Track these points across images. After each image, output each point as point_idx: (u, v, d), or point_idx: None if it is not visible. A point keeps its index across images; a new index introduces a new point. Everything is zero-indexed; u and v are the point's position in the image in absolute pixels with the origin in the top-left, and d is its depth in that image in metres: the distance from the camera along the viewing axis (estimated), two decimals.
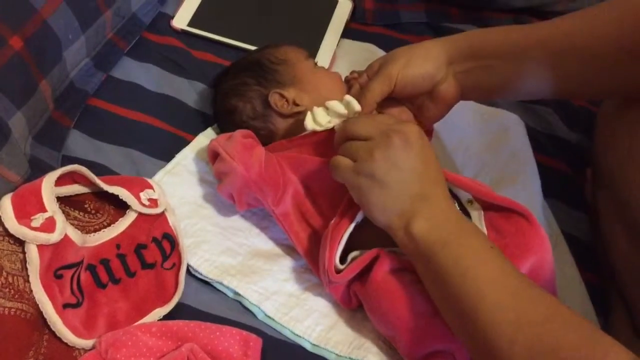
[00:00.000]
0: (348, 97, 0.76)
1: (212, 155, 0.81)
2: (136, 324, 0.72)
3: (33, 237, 0.68)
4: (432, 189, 0.67)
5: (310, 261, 0.77)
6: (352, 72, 0.92)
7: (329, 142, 0.75)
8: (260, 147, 0.79)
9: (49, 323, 0.68)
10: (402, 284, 0.69)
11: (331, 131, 0.76)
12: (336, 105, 0.76)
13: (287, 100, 0.83)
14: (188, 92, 0.94)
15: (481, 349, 0.60)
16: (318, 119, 0.77)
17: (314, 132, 0.77)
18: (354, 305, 0.75)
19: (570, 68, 0.73)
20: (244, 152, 0.77)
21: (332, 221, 0.72)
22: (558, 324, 0.57)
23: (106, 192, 0.78)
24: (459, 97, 0.79)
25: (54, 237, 0.69)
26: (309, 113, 0.78)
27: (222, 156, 0.77)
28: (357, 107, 0.75)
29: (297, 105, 0.83)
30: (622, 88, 0.75)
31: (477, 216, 0.74)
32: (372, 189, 0.67)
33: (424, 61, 0.76)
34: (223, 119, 0.88)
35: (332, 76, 0.88)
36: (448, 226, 0.65)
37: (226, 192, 0.80)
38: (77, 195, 0.79)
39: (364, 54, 1.02)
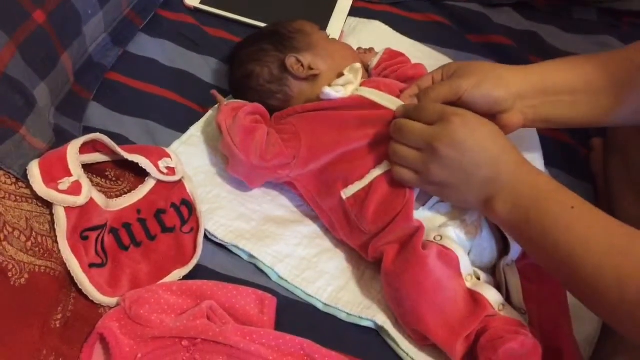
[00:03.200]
0: (357, 65, 0.83)
1: (219, 129, 0.84)
2: (158, 283, 0.76)
3: (61, 200, 0.72)
4: (500, 166, 0.69)
5: (327, 218, 0.81)
6: (359, 49, 0.96)
7: (342, 109, 0.81)
8: (262, 127, 0.82)
9: (76, 281, 0.72)
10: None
11: (344, 99, 0.81)
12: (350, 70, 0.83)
13: (302, 65, 0.87)
14: (201, 67, 0.98)
15: (582, 296, 0.65)
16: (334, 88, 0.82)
17: (329, 100, 0.82)
18: (369, 258, 0.79)
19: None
20: (246, 139, 0.81)
21: None
22: None
23: (126, 160, 0.82)
24: (520, 127, 0.79)
25: (81, 199, 0.73)
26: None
27: (226, 141, 0.81)
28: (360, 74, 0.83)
29: (312, 69, 0.87)
30: None
31: None
32: (444, 192, 0.73)
33: (494, 87, 0.76)
34: (239, 84, 0.91)
35: (345, 46, 0.93)
36: (525, 201, 0.68)
37: (233, 172, 0.85)
38: (98, 163, 0.83)
39: (371, 30, 1.05)
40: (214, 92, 0.89)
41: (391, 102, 0.80)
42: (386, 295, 0.76)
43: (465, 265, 0.73)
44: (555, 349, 0.72)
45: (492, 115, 0.76)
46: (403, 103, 0.79)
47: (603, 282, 0.61)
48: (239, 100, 0.88)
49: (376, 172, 0.77)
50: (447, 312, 0.70)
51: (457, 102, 0.76)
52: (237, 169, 0.83)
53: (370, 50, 0.96)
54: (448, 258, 0.71)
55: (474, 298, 0.71)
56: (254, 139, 0.80)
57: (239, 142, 0.80)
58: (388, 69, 0.91)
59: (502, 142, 0.71)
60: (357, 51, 0.95)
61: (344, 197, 0.78)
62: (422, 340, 0.74)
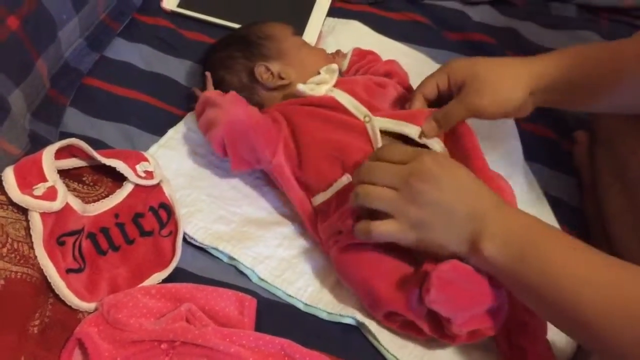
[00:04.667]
0: (333, 66, 0.84)
1: (202, 107, 0.85)
2: (136, 287, 0.75)
3: (36, 205, 0.71)
4: (483, 201, 0.66)
5: (305, 216, 0.81)
6: (338, 51, 0.96)
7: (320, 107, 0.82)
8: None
9: (53, 287, 0.71)
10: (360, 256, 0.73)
11: (317, 98, 0.82)
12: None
13: (272, 73, 0.86)
14: (179, 70, 0.98)
15: (586, 340, 0.62)
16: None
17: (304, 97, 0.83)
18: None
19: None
20: (238, 101, 0.82)
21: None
22: None
23: (103, 165, 0.81)
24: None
25: (56, 204, 0.72)
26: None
27: (218, 102, 0.81)
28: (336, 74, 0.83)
29: (282, 78, 0.86)
30: None
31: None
32: (426, 236, 0.66)
33: (508, 100, 0.76)
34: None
35: (316, 52, 0.92)
36: (517, 237, 0.63)
37: (218, 141, 0.82)
38: (75, 168, 0.82)
39: (350, 30, 1.05)
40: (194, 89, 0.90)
41: (360, 112, 0.80)
42: (345, 284, 0.77)
43: None
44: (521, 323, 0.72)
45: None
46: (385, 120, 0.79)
47: (611, 326, 0.58)
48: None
49: (343, 182, 0.77)
50: (393, 278, 0.71)
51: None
52: (225, 133, 0.81)
53: (338, 52, 0.96)
54: None
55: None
56: (248, 103, 0.82)
57: (234, 102, 0.81)
58: (360, 70, 0.91)
59: (478, 181, 0.68)
60: (335, 53, 0.95)
61: (314, 204, 0.78)
62: (390, 322, 0.74)
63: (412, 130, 0.78)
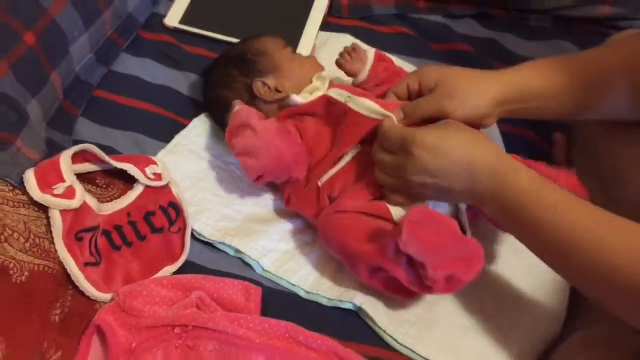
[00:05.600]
0: (324, 73, 0.92)
1: (236, 129, 0.87)
2: (150, 278, 0.81)
3: (57, 203, 0.77)
4: (475, 175, 0.73)
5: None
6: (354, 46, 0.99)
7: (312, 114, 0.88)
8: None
9: (73, 279, 0.77)
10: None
11: (312, 102, 0.89)
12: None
13: (269, 88, 0.92)
14: (182, 82, 1.04)
15: (581, 287, 0.71)
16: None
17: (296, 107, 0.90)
18: None
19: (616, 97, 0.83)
20: (281, 133, 0.86)
21: None
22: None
23: (115, 170, 0.87)
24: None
25: (75, 203, 0.78)
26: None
27: (258, 130, 0.84)
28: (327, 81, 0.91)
29: (279, 92, 0.92)
30: None
31: None
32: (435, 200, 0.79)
33: (477, 106, 0.81)
34: (214, 107, 0.97)
35: (308, 61, 0.97)
36: (510, 204, 0.72)
37: (255, 171, 0.86)
38: (88, 173, 0.88)
39: (342, 43, 1.11)
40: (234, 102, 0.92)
41: (342, 96, 0.86)
42: (330, 252, 0.83)
43: None
44: None
45: (472, 123, 0.81)
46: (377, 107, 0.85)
47: (592, 274, 0.67)
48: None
49: (348, 157, 0.84)
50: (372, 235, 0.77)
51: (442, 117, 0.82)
52: (261, 164, 0.85)
53: (355, 48, 0.97)
54: None
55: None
56: (291, 133, 0.87)
57: (275, 136, 0.85)
58: (382, 85, 0.95)
59: (468, 149, 0.74)
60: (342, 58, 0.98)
61: (319, 184, 0.84)
62: (374, 281, 0.80)
63: (379, 113, 0.83)
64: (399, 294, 0.81)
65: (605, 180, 0.91)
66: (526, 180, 0.72)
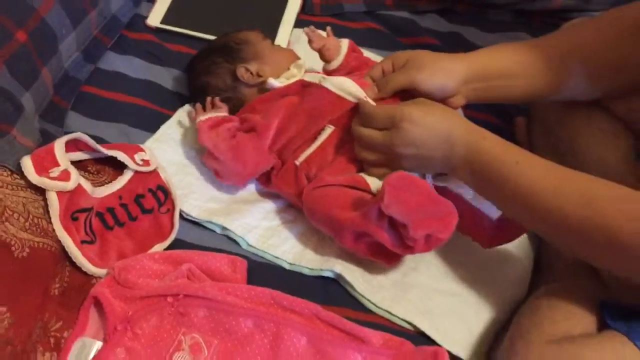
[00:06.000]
0: (300, 61, 0.99)
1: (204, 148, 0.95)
2: (142, 254, 0.86)
3: (53, 185, 0.82)
4: (452, 142, 0.81)
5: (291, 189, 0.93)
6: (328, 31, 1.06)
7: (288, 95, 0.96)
8: (244, 138, 0.94)
9: (70, 255, 0.82)
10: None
11: (288, 86, 0.96)
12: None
13: (251, 73, 0.99)
14: (165, 77, 1.11)
15: (547, 229, 0.78)
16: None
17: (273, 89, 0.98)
18: None
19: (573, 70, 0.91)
20: (236, 152, 0.92)
21: None
22: (602, 192, 0.73)
23: (105, 158, 0.93)
24: (462, 106, 0.93)
25: (70, 184, 0.83)
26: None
27: (216, 156, 0.93)
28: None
29: (260, 76, 0.99)
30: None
31: None
32: (417, 171, 0.86)
33: (445, 77, 0.89)
34: (198, 94, 1.03)
35: (286, 51, 1.06)
36: (479, 166, 0.80)
37: (226, 181, 0.96)
38: (80, 161, 0.93)
39: None
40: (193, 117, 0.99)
41: (315, 78, 0.94)
42: (316, 226, 0.90)
43: None
44: None
45: (439, 99, 0.88)
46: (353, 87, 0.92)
47: (553, 221, 0.74)
48: (209, 114, 0.97)
49: (323, 137, 0.91)
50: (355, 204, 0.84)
51: (412, 90, 0.89)
52: (231, 179, 0.96)
53: (329, 33, 1.04)
54: None
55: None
56: (242, 146, 0.93)
57: (231, 156, 0.92)
58: (353, 73, 1.01)
59: (447, 122, 0.83)
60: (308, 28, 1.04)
61: (297, 164, 0.91)
62: (358, 245, 0.86)
63: (358, 92, 0.91)
64: (381, 258, 0.87)
65: (565, 159, 0.97)
66: (494, 143, 0.82)
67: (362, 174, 0.88)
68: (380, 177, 0.86)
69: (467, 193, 0.90)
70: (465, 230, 0.90)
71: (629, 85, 0.93)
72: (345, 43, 1.03)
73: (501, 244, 0.91)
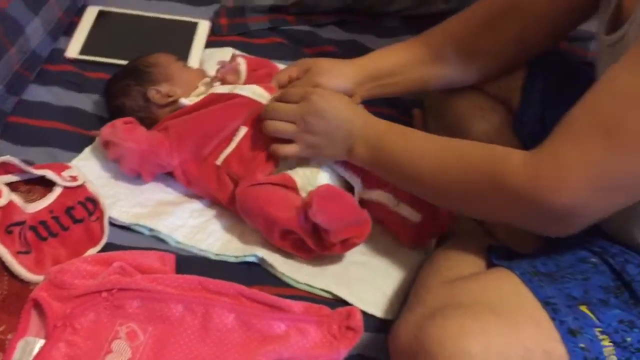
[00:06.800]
0: (206, 79, 1.10)
1: (104, 145, 1.06)
2: (75, 258, 0.94)
3: None
4: (353, 122, 0.93)
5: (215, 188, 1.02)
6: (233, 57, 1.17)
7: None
8: (139, 125, 1.05)
9: (7, 265, 0.89)
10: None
11: (199, 102, 1.06)
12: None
13: (161, 94, 1.09)
14: (86, 102, 1.19)
15: (436, 194, 0.89)
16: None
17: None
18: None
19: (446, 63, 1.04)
20: (130, 132, 1.03)
21: None
22: (470, 157, 0.84)
23: (34, 178, 1.00)
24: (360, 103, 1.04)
25: (2, 201, 0.91)
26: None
27: (114, 142, 1.03)
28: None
29: (170, 96, 1.09)
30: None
31: None
32: (320, 151, 0.96)
33: (342, 80, 1.02)
34: (116, 115, 1.11)
35: (196, 71, 1.17)
36: (374, 141, 0.91)
37: (129, 169, 1.05)
38: (10, 182, 1.00)
39: (225, 55, 1.28)
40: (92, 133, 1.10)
41: (228, 89, 1.04)
42: (248, 221, 0.99)
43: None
44: None
45: None
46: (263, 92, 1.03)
47: (440, 178, 0.86)
48: None
49: (238, 137, 1.01)
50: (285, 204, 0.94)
51: None
52: (132, 162, 1.03)
53: (234, 58, 1.14)
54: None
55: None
56: (136, 130, 1.02)
57: (125, 136, 1.01)
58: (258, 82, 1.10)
59: (351, 107, 0.96)
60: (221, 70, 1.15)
61: (218, 164, 1.00)
62: (284, 242, 0.96)
63: (264, 97, 1.02)
64: (302, 253, 0.97)
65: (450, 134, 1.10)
66: (385, 124, 0.94)
67: (288, 172, 0.99)
68: (292, 156, 0.96)
69: (389, 202, 1.00)
70: (389, 230, 1.03)
71: (499, 68, 1.06)
72: (243, 64, 1.13)
73: (423, 245, 1.02)
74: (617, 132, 0.71)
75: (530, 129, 1.05)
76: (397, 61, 1.06)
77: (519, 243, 0.93)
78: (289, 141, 0.96)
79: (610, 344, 0.74)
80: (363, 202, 1.00)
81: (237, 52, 1.29)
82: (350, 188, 1.01)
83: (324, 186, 0.93)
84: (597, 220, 0.79)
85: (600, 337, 0.75)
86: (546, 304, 0.76)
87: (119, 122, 1.05)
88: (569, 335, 0.74)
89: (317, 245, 0.94)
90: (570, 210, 0.75)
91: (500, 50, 1.04)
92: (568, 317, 0.75)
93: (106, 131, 1.05)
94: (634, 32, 0.76)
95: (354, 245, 0.94)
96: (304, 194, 0.97)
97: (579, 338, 0.74)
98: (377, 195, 1.00)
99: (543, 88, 1.05)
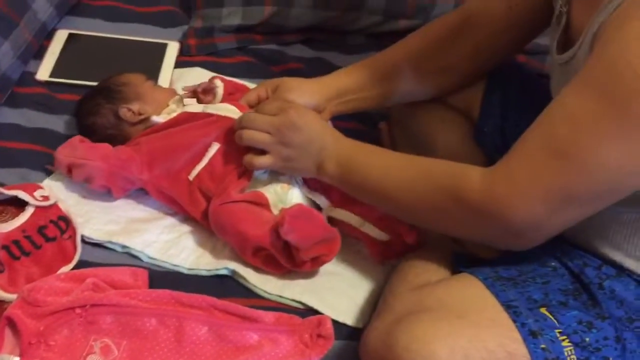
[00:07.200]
0: (177, 97, 1.12)
1: (67, 168, 1.07)
2: (48, 276, 0.95)
3: None
4: (325, 138, 0.96)
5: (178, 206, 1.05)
6: (185, 87, 1.21)
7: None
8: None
9: None
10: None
11: (170, 120, 1.09)
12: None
13: (133, 112, 1.11)
14: (57, 123, 1.21)
15: (402, 210, 0.92)
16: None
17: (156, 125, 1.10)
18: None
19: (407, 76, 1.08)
20: (93, 150, 1.05)
21: None
22: (433, 174, 0.87)
23: (6, 199, 1.01)
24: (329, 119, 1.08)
25: None
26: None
27: (78, 163, 1.04)
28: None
29: (141, 114, 1.11)
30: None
31: None
32: (291, 165, 0.98)
33: (310, 97, 1.05)
34: (86, 133, 1.13)
35: (167, 90, 1.19)
36: (345, 159, 0.95)
37: (98, 186, 1.06)
38: None
39: (194, 75, 1.32)
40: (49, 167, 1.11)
41: (199, 108, 1.07)
42: (220, 237, 1.01)
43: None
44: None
45: None
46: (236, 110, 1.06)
47: (404, 194, 0.89)
48: None
49: (210, 153, 1.03)
50: (258, 221, 0.96)
51: None
52: (100, 180, 1.05)
53: (212, 81, 1.16)
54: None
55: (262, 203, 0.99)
56: (98, 147, 1.04)
57: (89, 155, 1.04)
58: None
59: (323, 123, 1.00)
60: (183, 89, 1.17)
61: (190, 179, 1.02)
62: (256, 259, 0.98)
63: (237, 114, 1.04)
64: (272, 269, 0.99)
65: (420, 150, 1.13)
66: (354, 143, 0.98)
67: (260, 189, 1.01)
68: (265, 167, 0.99)
69: (355, 222, 1.03)
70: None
71: (457, 82, 1.11)
72: (220, 87, 1.15)
73: (391, 260, 1.04)
74: (567, 153, 0.75)
75: (491, 139, 1.09)
76: (358, 79, 1.10)
77: (484, 250, 0.97)
78: (262, 153, 0.98)
79: (570, 344, 0.78)
80: (331, 220, 1.02)
81: (206, 71, 1.32)
82: (318, 206, 1.04)
83: (295, 206, 0.95)
84: (555, 234, 0.83)
85: (561, 337, 0.78)
86: (508, 307, 0.80)
87: (76, 141, 1.07)
88: (530, 336, 0.77)
89: (288, 262, 0.96)
90: (525, 225, 0.79)
91: (457, 64, 1.08)
92: (529, 319, 0.79)
93: (64, 153, 1.07)
94: (583, 53, 0.79)
95: (323, 262, 0.97)
96: (275, 211, 1.00)
97: (540, 339, 0.77)
98: (342, 214, 1.03)
99: (502, 100, 1.10)
